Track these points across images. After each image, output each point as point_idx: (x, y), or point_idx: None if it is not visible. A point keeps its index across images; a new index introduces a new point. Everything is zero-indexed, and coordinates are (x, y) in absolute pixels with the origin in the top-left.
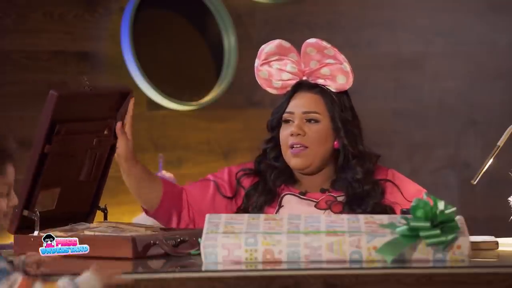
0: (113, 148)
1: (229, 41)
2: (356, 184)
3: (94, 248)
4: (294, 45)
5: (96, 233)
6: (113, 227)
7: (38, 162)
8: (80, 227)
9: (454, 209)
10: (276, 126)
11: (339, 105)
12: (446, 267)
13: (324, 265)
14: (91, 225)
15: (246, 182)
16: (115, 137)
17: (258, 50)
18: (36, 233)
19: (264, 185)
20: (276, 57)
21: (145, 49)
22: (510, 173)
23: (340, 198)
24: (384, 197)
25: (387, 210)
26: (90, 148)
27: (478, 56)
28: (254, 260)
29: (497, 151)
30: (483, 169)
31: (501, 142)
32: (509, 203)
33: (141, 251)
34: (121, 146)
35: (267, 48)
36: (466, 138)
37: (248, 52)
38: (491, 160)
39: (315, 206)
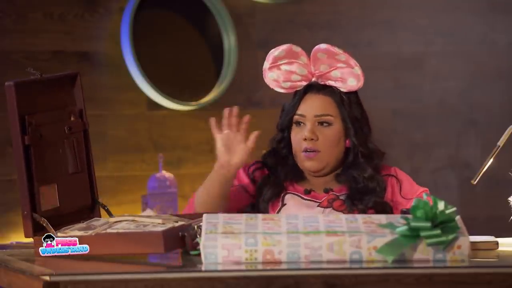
0: (86, 134)
1: (229, 41)
2: (360, 179)
3: (125, 245)
4: (295, 44)
5: (120, 231)
6: (132, 220)
7: (25, 156)
8: (97, 223)
9: (454, 209)
10: (286, 127)
11: (349, 104)
12: (446, 267)
13: (324, 265)
14: (110, 219)
15: (258, 176)
16: (82, 121)
17: (258, 50)
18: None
19: (275, 178)
20: (286, 61)
21: (145, 49)
22: (510, 173)
23: (342, 197)
24: (385, 194)
25: (386, 208)
26: (66, 138)
27: (478, 56)
28: (254, 260)
29: (497, 151)
30: (483, 169)
31: (501, 142)
32: (509, 203)
33: (172, 245)
34: (243, 156)
35: (276, 52)
36: (466, 138)
37: (248, 52)
38: (491, 160)
39: (318, 205)
